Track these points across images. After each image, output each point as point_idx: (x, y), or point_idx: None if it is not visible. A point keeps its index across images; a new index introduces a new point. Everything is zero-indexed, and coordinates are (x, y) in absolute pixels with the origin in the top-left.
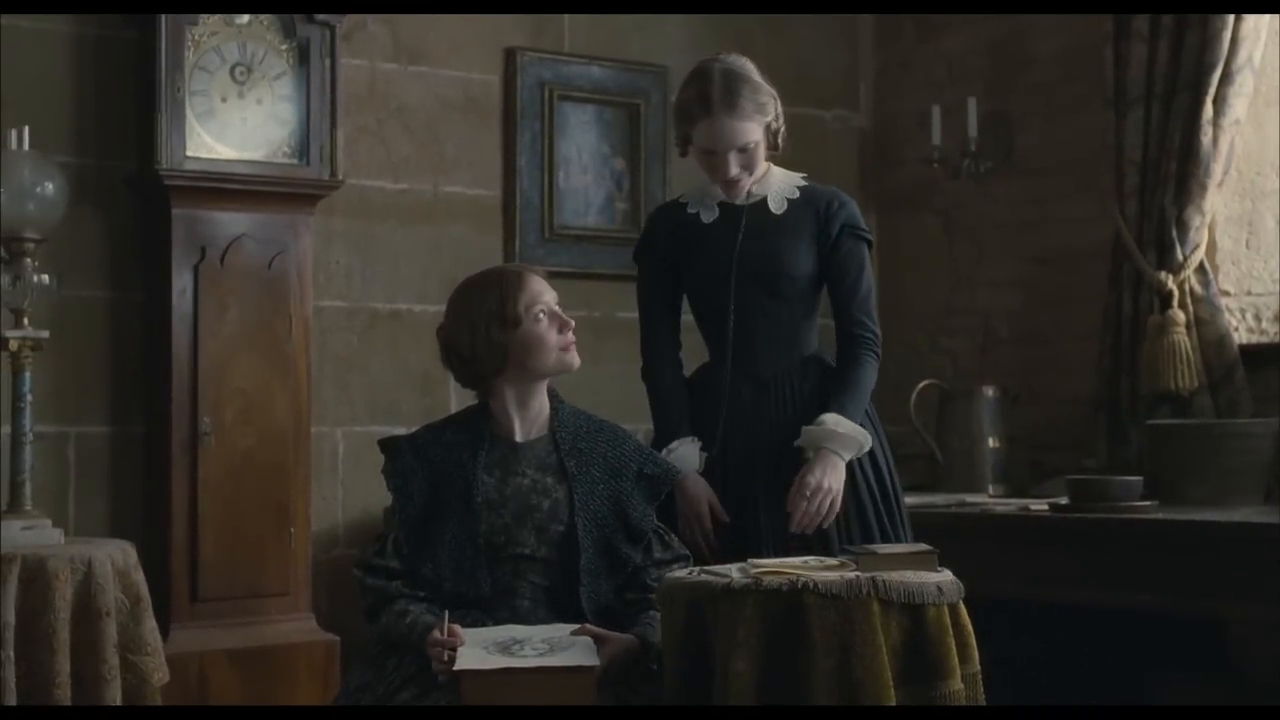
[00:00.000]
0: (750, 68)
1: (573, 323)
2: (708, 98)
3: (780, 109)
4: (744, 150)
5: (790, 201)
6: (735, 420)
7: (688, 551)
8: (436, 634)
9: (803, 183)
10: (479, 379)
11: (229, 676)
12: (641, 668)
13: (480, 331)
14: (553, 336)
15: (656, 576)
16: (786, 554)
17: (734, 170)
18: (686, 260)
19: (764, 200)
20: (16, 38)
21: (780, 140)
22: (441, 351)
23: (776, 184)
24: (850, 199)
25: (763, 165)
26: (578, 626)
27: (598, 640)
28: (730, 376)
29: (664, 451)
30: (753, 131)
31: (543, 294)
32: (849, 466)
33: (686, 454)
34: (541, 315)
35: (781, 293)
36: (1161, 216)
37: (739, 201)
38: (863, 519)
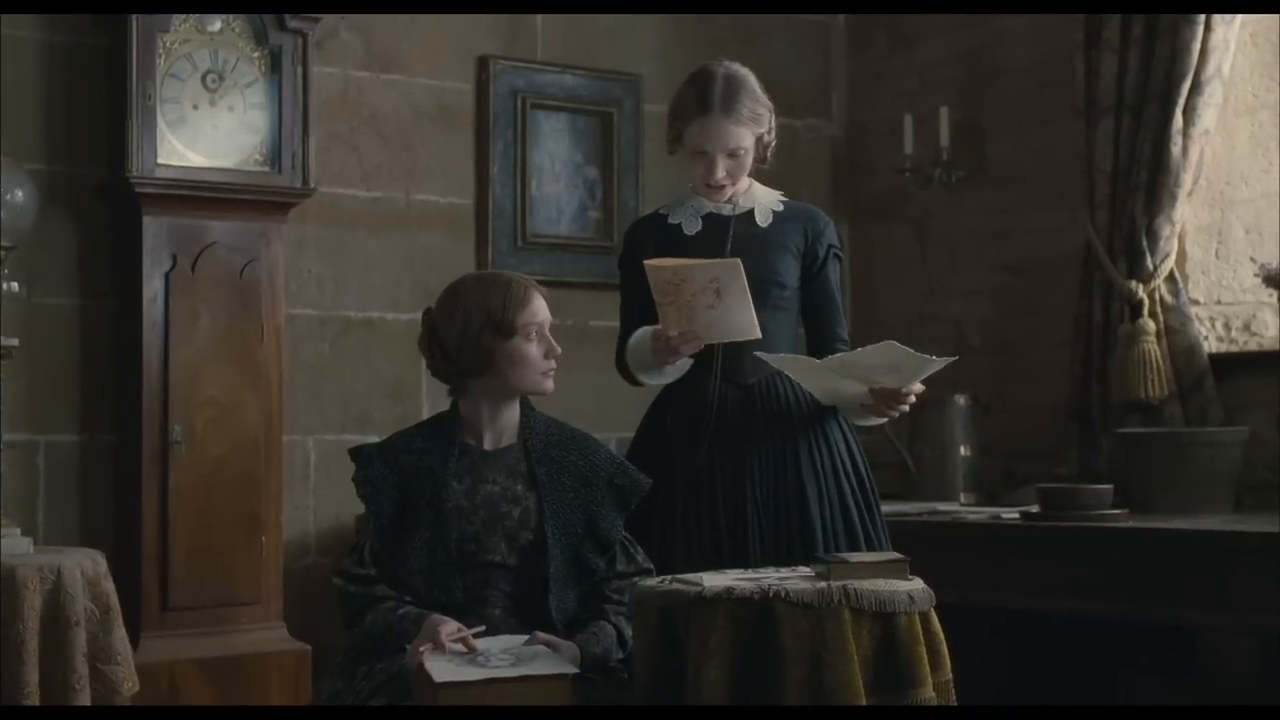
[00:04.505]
0: (752, 79)
1: (559, 350)
2: (707, 97)
3: (774, 124)
4: (733, 156)
5: (775, 214)
6: (723, 427)
7: (651, 565)
8: (454, 626)
9: (783, 198)
10: (454, 376)
11: (200, 685)
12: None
13: (472, 331)
14: (539, 357)
15: (616, 588)
16: (779, 563)
17: (720, 173)
18: None
19: (750, 212)
20: None
21: (770, 154)
22: (423, 337)
23: (761, 198)
24: (829, 218)
25: (746, 179)
26: (529, 636)
27: (547, 647)
28: (718, 384)
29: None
30: (745, 138)
31: (542, 313)
32: (835, 472)
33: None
34: (534, 334)
35: (771, 300)
36: (1132, 226)
37: (725, 213)
38: (848, 524)
